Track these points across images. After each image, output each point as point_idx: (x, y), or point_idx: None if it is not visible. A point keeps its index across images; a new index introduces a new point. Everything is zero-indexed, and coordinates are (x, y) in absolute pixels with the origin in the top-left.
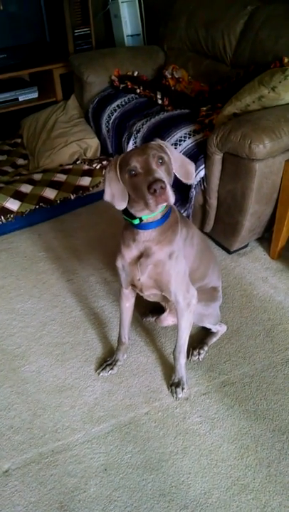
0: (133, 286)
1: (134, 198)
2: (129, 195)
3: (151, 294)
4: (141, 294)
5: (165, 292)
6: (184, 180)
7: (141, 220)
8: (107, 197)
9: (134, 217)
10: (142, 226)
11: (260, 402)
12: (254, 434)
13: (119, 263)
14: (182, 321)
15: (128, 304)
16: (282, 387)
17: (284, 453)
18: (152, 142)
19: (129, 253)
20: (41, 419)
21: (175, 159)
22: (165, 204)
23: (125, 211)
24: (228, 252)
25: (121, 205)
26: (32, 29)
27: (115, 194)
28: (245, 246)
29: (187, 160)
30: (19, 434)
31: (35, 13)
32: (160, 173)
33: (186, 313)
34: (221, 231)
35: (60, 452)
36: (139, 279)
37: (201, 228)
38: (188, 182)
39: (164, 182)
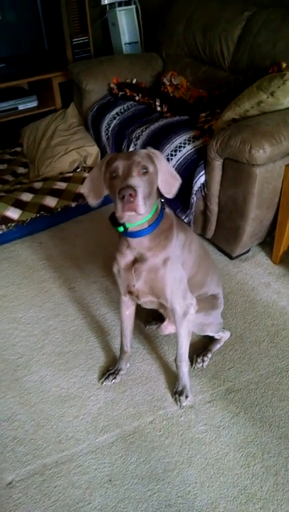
0: (130, 293)
1: (113, 200)
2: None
3: (148, 301)
4: (138, 302)
5: (161, 299)
6: (165, 194)
7: (126, 227)
8: (84, 189)
9: (120, 224)
10: (129, 234)
11: (266, 409)
12: (260, 442)
13: (115, 269)
14: (180, 329)
15: (128, 311)
16: (288, 394)
17: None
18: (143, 150)
19: (124, 259)
20: (45, 430)
21: (163, 171)
22: (133, 213)
23: (112, 217)
24: (230, 257)
25: (92, 200)
26: (30, 38)
27: (92, 189)
28: (247, 251)
29: (174, 174)
30: (22, 445)
31: (33, 22)
32: (136, 181)
33: (184, 322)
34: (222, 237)
35: (64, 463)
36: (134, 285)
37: (203, 234)
38: (168, 196)
39: (135, 190)
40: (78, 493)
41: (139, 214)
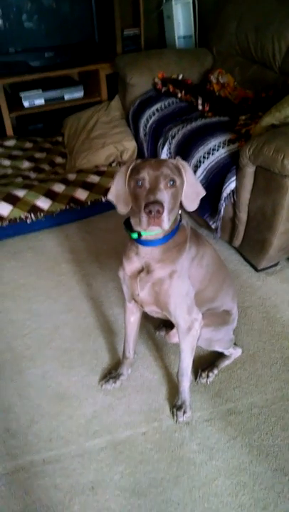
0: (135, 300)
1: (134, 208)
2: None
3: (152, 311)
4: (143, 310)
5: (165, 312)
6: (186, 207)
7: (140, 235)
8: (110, 196)
9: (134, 230)
10: (142, 242)
11: (266, 436)
12: (253, 471)
13: (120, 274)
14: (183, 344)
15: (132, 318)
16: None
17: (283, 496)
18: (172, 160)
19: (130, 266)
20: (38, 426)
21: (189, 184)
22: (157, 228)
23: (127, 221)
24: (256, 269)
25: (122, 209)
26: (81, 29)
27: (119, 196)
28: (276, 264)
29: (200, 189)
30: (14, 439)
31: (85, 12)
32: (164, 195)
33: (187, 337)
34: (248, 247)
35: (50, 463)
36: (138, 295)
37: (230, 242)
38: (189, 209)
39: (162, 206)
40: (59, 495)
41: (163, 229)
